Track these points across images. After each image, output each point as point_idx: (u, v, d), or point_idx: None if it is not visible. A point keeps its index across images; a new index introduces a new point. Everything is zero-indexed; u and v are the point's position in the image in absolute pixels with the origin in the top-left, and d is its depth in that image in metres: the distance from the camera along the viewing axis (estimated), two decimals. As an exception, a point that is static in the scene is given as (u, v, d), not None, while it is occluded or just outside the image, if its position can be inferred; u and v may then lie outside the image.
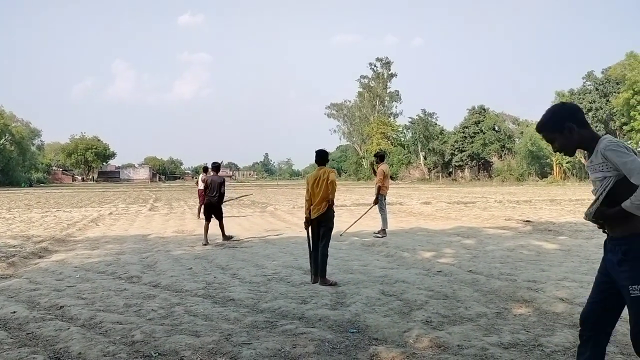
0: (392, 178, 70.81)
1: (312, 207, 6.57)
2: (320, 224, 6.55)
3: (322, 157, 6.81)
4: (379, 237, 10.90)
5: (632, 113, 43.42)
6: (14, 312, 5.16)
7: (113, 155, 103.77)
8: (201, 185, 16.81)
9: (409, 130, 78.56)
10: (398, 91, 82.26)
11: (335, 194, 6.60)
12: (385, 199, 11.57)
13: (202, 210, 15.83)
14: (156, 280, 6.70)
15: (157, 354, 3.96)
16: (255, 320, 4.79)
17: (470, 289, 5.92)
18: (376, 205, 11.40)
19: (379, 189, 11.32)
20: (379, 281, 6.45)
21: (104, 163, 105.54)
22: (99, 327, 4.68)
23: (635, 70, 42.22)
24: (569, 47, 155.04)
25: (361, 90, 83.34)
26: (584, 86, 52.25)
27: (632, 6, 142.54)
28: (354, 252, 8.96)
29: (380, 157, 11.92)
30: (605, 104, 48.49)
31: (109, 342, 4.21)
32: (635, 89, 42.41)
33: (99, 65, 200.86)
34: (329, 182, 6.48)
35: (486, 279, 6.37)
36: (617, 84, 46.94)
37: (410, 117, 77.55)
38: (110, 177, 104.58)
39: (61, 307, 5.38)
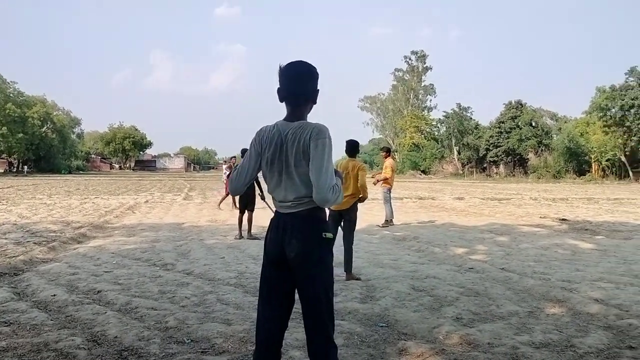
0: (424, 172, 70.52)
1: None
2: (342, 217, 6.34)
3: (353, 147, 6.62)
4: (386, 226, 11.62)
5: (678, 110, 41.77)
6: (54, 295, 5.35)
7: (150, 144, 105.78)
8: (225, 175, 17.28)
9: (443, 124, 77.43)
10: (433, 84, 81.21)
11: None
12: (390, 192, 12.31)
13: (223, 200, 16.20)
14: (190, 268, 6.85)
15: (189, 340, 4.06)
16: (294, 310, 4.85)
17: (503, 287, 5.85)
18: (380, 191, 12.48)
19: (385, 179, 12.13)
20: (409, 276, 6.43)
21: (141, 152, 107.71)
22: (134, 312, 4.82)
23: (682, 66, 40.54)
24: (611, 41, 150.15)
25: (395, 83, 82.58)
26: (627, 82, 50.40)
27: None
28: (385, 246, 8.95)
29: (387, 150, 12.67)
30: (650, 100, 46.75)
31: (144, 327, 4.34)
32: (682, 85, 40.76)
33: (138, 55, 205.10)
34: (359, 183, 6.36)
35: (519, 277, 6.28)
36: (663, 79, 45.22)
37: (444, 111, 76.39)
38: (147, 165, 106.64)
39: (99, 291, 5.56)
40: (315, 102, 2.68)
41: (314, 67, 2.65)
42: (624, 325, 4.43)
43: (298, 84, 2.60)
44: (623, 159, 50.68)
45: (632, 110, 48.20)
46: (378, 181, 12.24)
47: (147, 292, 5.56)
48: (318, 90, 2.67)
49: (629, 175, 50.23)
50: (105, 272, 6.61)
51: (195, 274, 6.53)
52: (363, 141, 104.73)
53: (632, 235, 10.54)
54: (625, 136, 49.60)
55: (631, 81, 50.11)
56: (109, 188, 28.60)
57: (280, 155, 2.56)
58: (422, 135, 76.24)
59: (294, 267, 2.54)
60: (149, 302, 5.16)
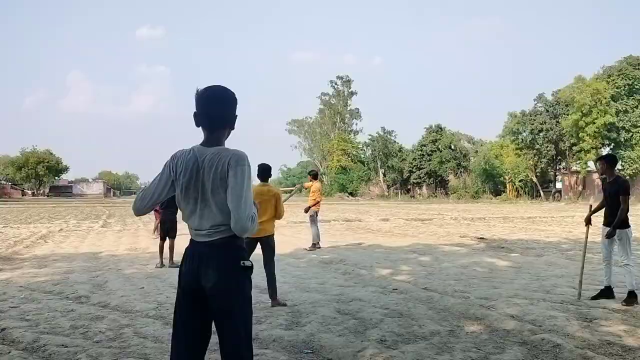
0: (352, 194, 71.62)
1: None
2: (260, 244, 6.20)
3: (266, 171, 6.48)
4: (312, 250, 11.57)
5: (580, 134, 45.27)
6: (-50, 335, 4.87)
7: (66, 169, 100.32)
8: None
9: (368, 147, 79.35)
10: (358, 109, 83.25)
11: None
12: (317, 215, 12.30)
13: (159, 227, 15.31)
14: (105, 301, 6.48)
15: (102, 378, 3.81)
16: (210, 342, 4.67)
17: (425, 307, 5.97)
18: (307, 215, 12.33)
19: (317, 203, 12.14)
20: (335, 300, 6.42)
21: (56, 177, 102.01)
22: (42, 350, 4.47)
23: (583, 94, 44.11)
24: (521, 69, 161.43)
25: (322, 107, 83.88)
26: (535, 108, 54.18)
27: (580, 31, 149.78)
28: (312, 270, 8.92)
29: (314, 175, 12.67)
30: (555, 125, 50.37)
31: (52, 367, 4.02)
32: (583, 111, 44.28)
33: (54, 76, 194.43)
34: (278, 210, 6.27)
35: (440, 297, 6.45)
36: (567, 106, 48.87)
37: (370, 135, 78.48)
38: (63, 191, 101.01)
39: (2, 329, 5.12)
40: (232, 128, 2.62)
41: (232, 92, 2.61)
42: (537, 340, 4.63)
43: (214, 107, 2.54)
44: (534, 179, 54.08)
45: (540, 134, 51.78)
46: (310, 207, 12.13)
47: (57, 328, 5.19)
48: (236, 115, 2.61)
49: (540, 195, 53.59)
50: (11, 307, 6.13)
51: (112, 307, 6.18)
52: (291, 164, 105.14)
53: (544, 252, 11.17)
54: (535, 158, 53.10)
55: (539, 107, 53.93)
56: (19, 216, 26.77)
57: (196, 182, 2.47)
58: (349, 158, 77.60)
59: (210, 298, 2.44)
60: (59, 338, 4.81)
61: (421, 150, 68.37)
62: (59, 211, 32.82)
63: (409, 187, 71.93)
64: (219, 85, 2.60)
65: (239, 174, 2.38)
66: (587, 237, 6.81)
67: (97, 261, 10.15)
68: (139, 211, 2.61)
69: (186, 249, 2.57)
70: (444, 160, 64.76)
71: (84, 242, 14.04)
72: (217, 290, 2.42)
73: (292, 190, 16.10)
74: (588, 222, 6.67)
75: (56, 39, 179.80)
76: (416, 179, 68.46)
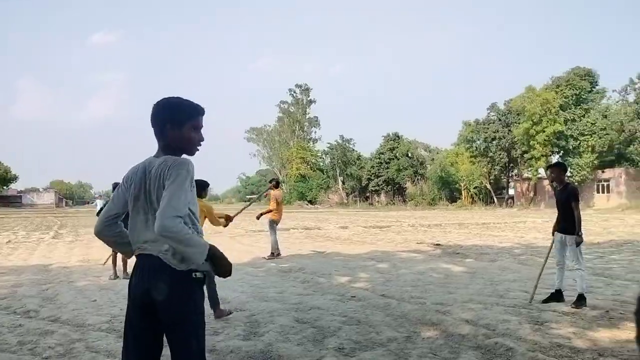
0: (311, 202, 71.73)
1: None
2: None
3: (200, 187, 6.20)
4: (271, 258, 11.51)
5: (531, 142, 46.84)
6: None
7: (15, 178, 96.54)
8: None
9: (327, 155, 79.79)
10: (317, 117, 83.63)
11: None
12: (277, 224, 12.14)
13: None
14: (56, 315, 6.25)
15: (51, 396, 3.67)
16: (163, 355, 4.57)
17: (382, 314, 6.03)
18: (266, 223, 12.26)
19: (269, 212, 11.97)
20: (293, 308, 6.40)
21: (5, 187, 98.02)
22: (-14, 369, 4.27)
23: (533, 103, 45.71)
24: (475, 80, 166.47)
25: (281, 115, 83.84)
26: (488, 116, 55.76)
27: (531, 43, 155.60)
28: (271, 279, 8.87)
29: (275, 184, 12.49)
30: (508, 133, 51.94)
31: (-3, 386, 3.85)
32: (534, 120, 45.86)
33: (3, 82, 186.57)
34: (210, 218, 6.51)
35: (397, 303, 6.52)
36: (518, 115, 50.49)
37: (328, 143, 78.97)
38: (12, 202, 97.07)
39: (-57, 348, 4.87)
40: (175, 134, 2.49)
41: (177, 101, 2.53)
42: (491, 344, 4.74)
43: (156, 117, 2.53)
44: (488, 186, 55.58)
45: (494, 142, 53.35)
46: (262, 214, 12.17)
47: (3, 345, 4.97)
48: (177, 125, 2.48)
49: (494, 201, 55.12)
50: (-47, 324, 5.82)
51: (62, 321, 5.97)
52: (250, 172, 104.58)
53: (497, 257, 11.46)
54: (489, 165, 54.65)
55: (492, 116, 55.53)
56: (-37, 228, 25.56)
57: (145, 193, 2.44)
58: (308, 166, 77.76)
59: (161, 311, 2.39)
60: (5, 355, 4.61)
61: (379, 158, 69.22)
62: (7, 222, 31.52)
63: (368, 194, 72.63)
64: (171, 97, 2.56)
65: (174, 176, 2.32)
66: (551, 247, 6.93)
67: (47, 273, 9.79)
68: (97, 231, 2.61)
69: (136, 261, 2.51)
70: (402, 168, 65.76)
71: (34, 253, 13.53)
72: (167, 303, 2.37)
73: (252, 198, 16.17)
74: (555, 232, 6.83)
75: (5, 44, 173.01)
76: (374, 186, 69.22)
